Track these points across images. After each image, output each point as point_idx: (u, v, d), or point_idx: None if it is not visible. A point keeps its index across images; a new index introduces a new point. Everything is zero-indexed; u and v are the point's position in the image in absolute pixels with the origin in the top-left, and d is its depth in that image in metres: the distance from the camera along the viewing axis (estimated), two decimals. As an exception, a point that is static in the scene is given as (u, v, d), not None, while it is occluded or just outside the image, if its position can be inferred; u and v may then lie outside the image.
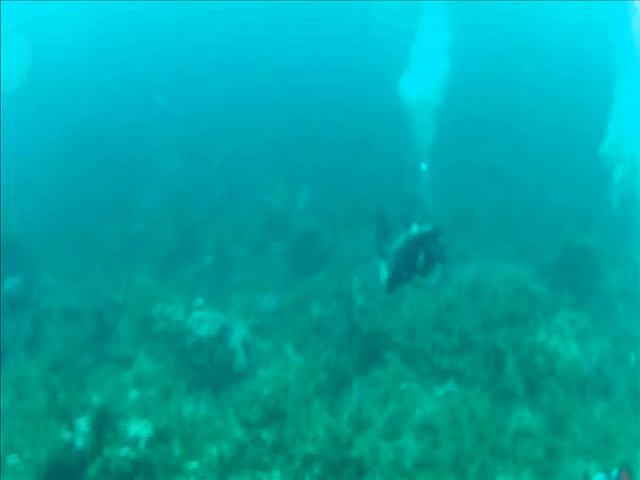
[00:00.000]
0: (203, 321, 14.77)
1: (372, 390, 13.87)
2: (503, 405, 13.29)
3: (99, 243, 21.18)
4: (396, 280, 12.35)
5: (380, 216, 13.09)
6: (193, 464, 11.36)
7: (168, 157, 26.51)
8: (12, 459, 11.33)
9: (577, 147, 24.83)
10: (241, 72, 36.91)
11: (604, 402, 13.27)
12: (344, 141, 27.65)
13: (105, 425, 11.57)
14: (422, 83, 17.48)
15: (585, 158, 23.25)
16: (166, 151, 26.76)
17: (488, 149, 26.43)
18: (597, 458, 11.66)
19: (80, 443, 11.18)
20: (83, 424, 11.48)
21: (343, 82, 34.24)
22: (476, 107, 28.60)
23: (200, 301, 15.36)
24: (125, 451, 11.05)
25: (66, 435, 11.30)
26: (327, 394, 13.77)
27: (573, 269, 17.69)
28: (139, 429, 11.54)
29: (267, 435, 12.02)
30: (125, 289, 17.29)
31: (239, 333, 15.03)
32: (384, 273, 12.55)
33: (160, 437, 11.62)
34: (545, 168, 25.12)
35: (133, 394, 13.42)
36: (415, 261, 12.10)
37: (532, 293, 16.33)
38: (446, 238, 12.11)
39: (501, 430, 12.44)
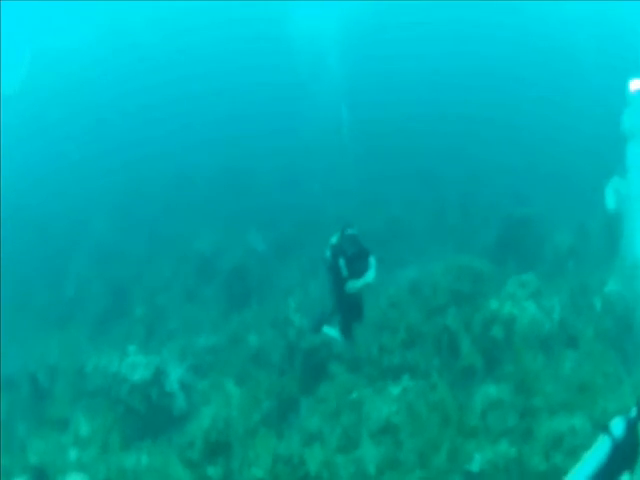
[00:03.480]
0: (136, 366, 13.45)
1: (322, 407, 12.32)
2: (464, 386, 11.86)
3: (31, 311, 20.02)
4: (347, 330, 12.72)
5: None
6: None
7: (95, 217, 25.39)
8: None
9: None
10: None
11: (573, 353, 11.81)
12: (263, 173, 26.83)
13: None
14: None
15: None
16: (93, 211, 25.61)
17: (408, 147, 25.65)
18: (579, 408, 10.29)
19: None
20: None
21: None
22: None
23: (133, 347, 14.05)
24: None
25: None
26: (274, 421, 12.34)
27: (516, 240, 16.51)
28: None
29: (213, 471, 10.74)
30: (58, 351, 16.37)
31: (175, 374, 13.68)
32: (335, 333, 12.78)
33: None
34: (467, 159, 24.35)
35: (72, 453, 12.35)
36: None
37: (476, 271, 15.05)
38: (357, 229, 12.09)
39: (466, 410, 10.91)
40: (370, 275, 12.33)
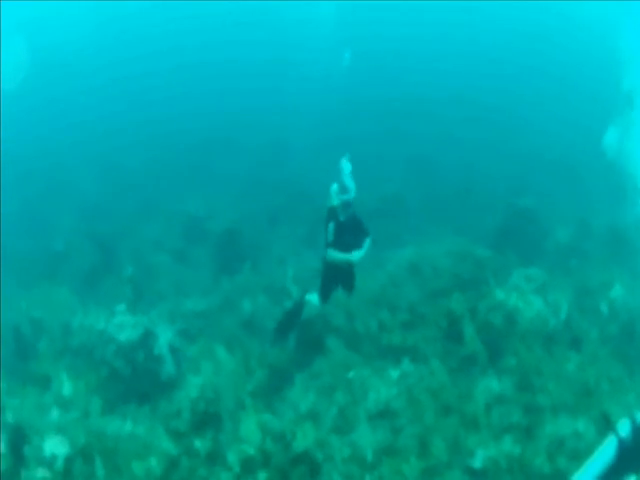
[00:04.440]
0: (124, 326, 12.84)
1: (316, 383, 12.03)
2: (466, 375, 11.68)
3: (15, 263, 19.04)
4: (326, 294, 12.37)
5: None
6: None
7: (83, 174, 25.20)
8: None
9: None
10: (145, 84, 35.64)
11: (577, 355, 11.69)
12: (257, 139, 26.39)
13: (22, 446, 10.27)
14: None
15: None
16: (80, 168, 25.37)
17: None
18: (582, 412, 10.18)
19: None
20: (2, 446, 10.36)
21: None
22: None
23: (122, 306, 13.44)
24: (41, 472, 9.83)
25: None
26: (266, 393, 11.98)
27: (517, 231, 16.32)
28: (56, 448, 10.24)
29: (200, 444, 10.22)
30: (45, 305, 15.59)
31: (165, 337, 13.07)
32: (314, 298, 12.42)
33: (80, 456, 10.07)
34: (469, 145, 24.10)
35: (53, 414, 11.68)
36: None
37: (478, 257, 14.85)
38: (354, 209, 11.72)
39: (468, 400, 10.75)
40: (356, 255, 11.97)
